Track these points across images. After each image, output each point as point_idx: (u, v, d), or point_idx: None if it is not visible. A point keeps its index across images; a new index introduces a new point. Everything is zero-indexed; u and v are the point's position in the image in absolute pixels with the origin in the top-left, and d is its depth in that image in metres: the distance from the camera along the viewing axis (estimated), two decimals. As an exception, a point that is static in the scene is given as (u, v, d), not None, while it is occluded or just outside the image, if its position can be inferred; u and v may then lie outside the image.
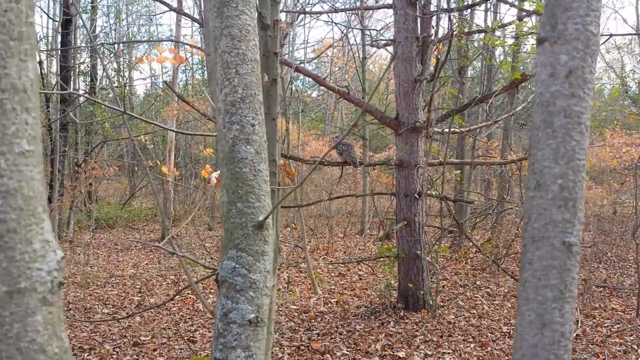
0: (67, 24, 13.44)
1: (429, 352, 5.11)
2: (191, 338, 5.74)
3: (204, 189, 17.78)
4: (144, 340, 5.64)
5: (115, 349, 5.41)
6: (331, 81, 23.41)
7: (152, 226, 15.07)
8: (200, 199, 16.83)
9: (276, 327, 6.08)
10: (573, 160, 1.02)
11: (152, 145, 18.26)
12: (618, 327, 5.74)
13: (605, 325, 5.86)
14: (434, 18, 6.12)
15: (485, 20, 11.52)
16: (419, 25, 6.38)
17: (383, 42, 6.96)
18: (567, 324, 1.02)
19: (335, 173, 14.71)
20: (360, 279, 8.65)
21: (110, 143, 17.93)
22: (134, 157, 19.01)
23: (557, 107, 1.03)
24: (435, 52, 6.38)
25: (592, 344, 5.23)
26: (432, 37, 6.05)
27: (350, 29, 8.99)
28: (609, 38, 5.94)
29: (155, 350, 5.36)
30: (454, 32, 7.21)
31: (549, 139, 1.03)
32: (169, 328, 6.15)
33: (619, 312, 6.41)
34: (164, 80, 16.38)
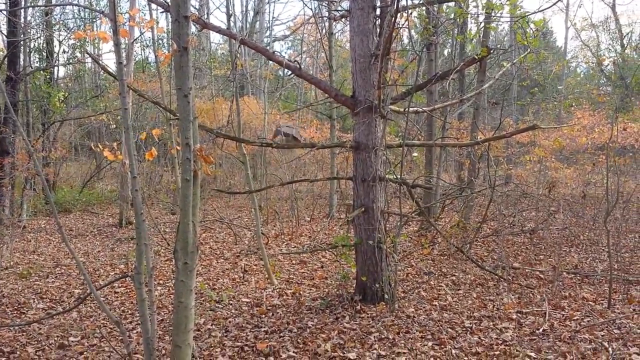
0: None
1: (383, 353, 4.67)
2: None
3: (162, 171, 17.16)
4: (72, 342, 5.10)
5: (38, 352, 4.87)
6: (302, 59, 22.68)
7: (112, 210, 14.42)
8: (158, 181, 16.20)
9: (222, 323, 5.59)
10: None
11: (114, 126, 17.42)
12: (588, 321, 5.37)
13: (575, 318, 5.48)
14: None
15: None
16: (377, -7, 5.83)
17: (339, 13, 6.39)
18: None
19: (305, 154, 14.12)
20: (322, 267, 8.19)
21: (68, 123, 17.12)
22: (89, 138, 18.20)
23: None
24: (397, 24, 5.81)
25: (559, 341, 4.84)
26: (390, 7, 5.49)
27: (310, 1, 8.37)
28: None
29: (82, 353, 4.84)
30: (420, 2, 6.69)
31: None
32: (105, 326, 5.63)
33: (590, 302, 6.05)
34: (85, 51, 15.44)
